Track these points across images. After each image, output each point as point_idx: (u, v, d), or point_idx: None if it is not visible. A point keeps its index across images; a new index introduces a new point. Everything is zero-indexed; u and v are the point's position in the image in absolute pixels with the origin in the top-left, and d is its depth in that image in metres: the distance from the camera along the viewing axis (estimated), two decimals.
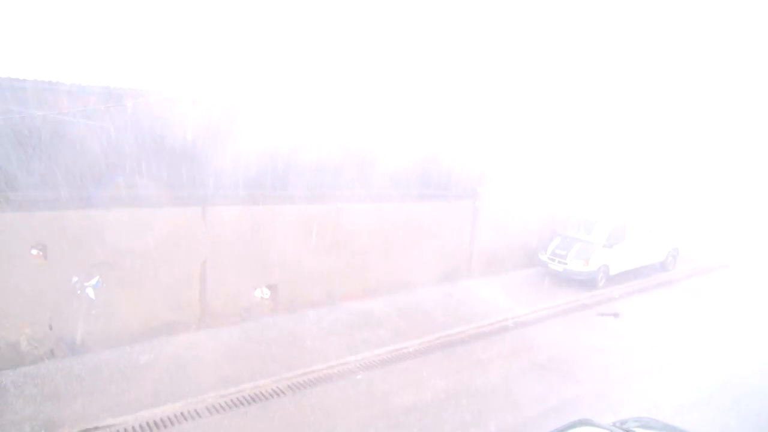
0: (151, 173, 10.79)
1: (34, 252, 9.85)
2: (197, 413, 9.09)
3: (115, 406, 8.97)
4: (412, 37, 16.00)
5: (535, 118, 18.14)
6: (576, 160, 19.53)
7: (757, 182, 26.54)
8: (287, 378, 10.33)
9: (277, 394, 9.89)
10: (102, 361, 10.26)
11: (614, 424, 7.84)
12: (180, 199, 11.27)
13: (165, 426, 8.72)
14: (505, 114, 17.40)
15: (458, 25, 17.05)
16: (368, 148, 13.77)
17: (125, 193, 10.62)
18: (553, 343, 12.80)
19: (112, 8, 12.39)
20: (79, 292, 10.35)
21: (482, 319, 13.74)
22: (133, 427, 8.61)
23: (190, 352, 10.94)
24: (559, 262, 16.65)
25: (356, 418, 9.29)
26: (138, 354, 10.68)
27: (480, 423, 9.30)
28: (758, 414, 10.08)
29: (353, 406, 9.64)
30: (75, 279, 10.26)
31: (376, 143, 13.90)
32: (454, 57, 16.79)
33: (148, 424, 8.73)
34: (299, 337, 12.05)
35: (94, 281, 10.42)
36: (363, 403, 9.79)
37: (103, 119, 10.08)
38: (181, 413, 9.05)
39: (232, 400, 9.54)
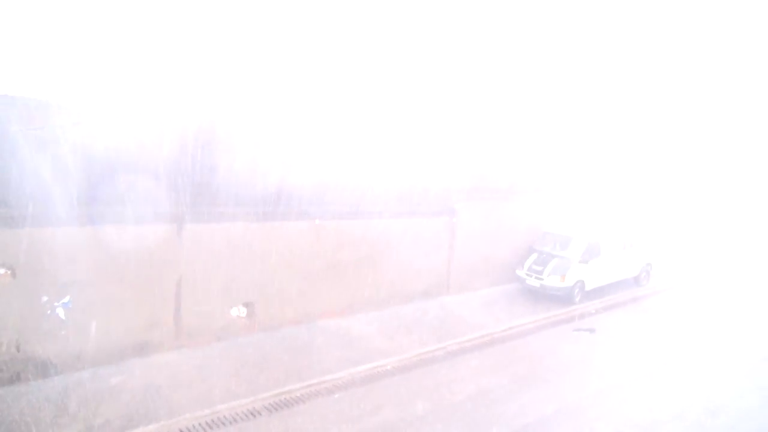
0: (125, 190, 10.62)
1: (2, 271, 9.57)
2: None
3: (85, 431, 8.70)
4: (387, 57, 16.18)
5: (512, 135, 18.45)
6: (552, 177, 19.86)
7: (728, 199, 27.31)
8: (264, 399, 10.16)
9: (254, 415, 9.71)
10: (72, 383, 9.96)
11: None
12: (155, 216, 11.10)
13: None
14: (482, 130, 17.65)
15: (434, 47, 17.31)
16: (347, 165, 13.79)
17: (98, 210, 10.43)
18: (532, 358, 12.85)
19: (95, 19, 12.26)
20: (48, 312, 10.07)
21: (461, 335, 13.75)
22: None
23: (164, 373, 10.69)
24: (536, 277, 16.79)
25: None
26: (110, 375, 10.40)
27: None
28: (733, 427, 10.23)
29: (332, 426, 9.51)
30: (45, 299, 9.98)
31: (354, 160, 13.94)
32: (430, 74, 17.00)
33: None
34: (276, 356, 11.89)
35: (64, 301, 10.16)
36: (341, 423, 9.66)
37: (75, 135, 9.92)
38: None
39: (207, 422, 9.33)
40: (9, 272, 9.61)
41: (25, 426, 8.64)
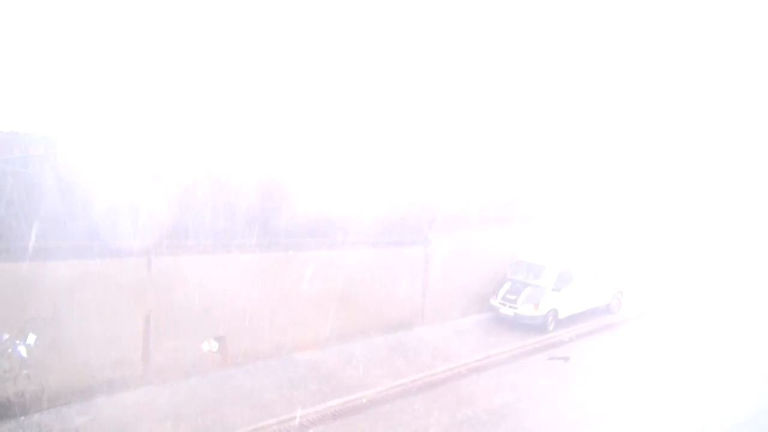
0: (92, 224, 10.45)
1: None
2: None
3: None
4: (360, 84, 16.43)
5: (486, 166, 18.77)
6: (525, 207, 20.18)
7: (698, 227, 28.00)
8: None
9: None
10: (33, 425, 9.58)
11: None
12: (124, 250, 10.91)
13: None
14: (455, 161, 17.93)
15: (408, 76, 17.65)
16: (320, 195, 13.82)
17: (64, 244, 10.21)
18: (506, 388, 12.83)
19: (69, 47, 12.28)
20: (9, 350, 9.73)
21: (435, 367, 13.67)
22: None
23: (131, 411, 10.37)
24: (510, 306, 16.88)
25: None
26: (74, 415, 10.04)
27: None
28: None
29: None
30: (5, 337, 9.66)
31: (328, 190, 13.98)
32: (405, 105, 17.29)
33: None
34: (248, 391, 11.64)
35: (28, 339, 9.83)
36: None
37: (41, 168, 9.77)
38: None
39: None
40: None
41: None
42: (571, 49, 22.53)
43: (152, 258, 11.28)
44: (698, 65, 27.37)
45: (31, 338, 9.88)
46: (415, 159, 16.93)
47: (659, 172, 27.65)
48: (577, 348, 16.09)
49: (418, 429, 10.66)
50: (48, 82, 12.51)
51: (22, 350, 9.78)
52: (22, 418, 9.71)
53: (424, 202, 16.59)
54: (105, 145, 10.38)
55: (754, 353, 16.12)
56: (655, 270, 25.61)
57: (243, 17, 15.25)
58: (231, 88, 14.70)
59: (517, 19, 20.25)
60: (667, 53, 26.09)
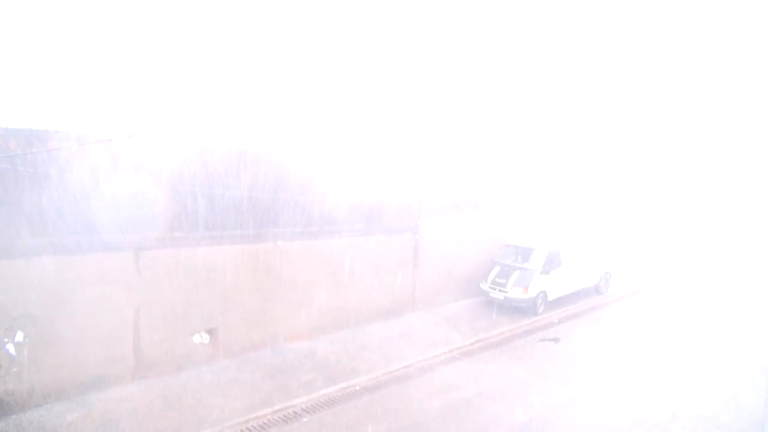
0: (78, 218, 10.31)
1: None
2: None
3: None
4: (347, 73, 16.31)
5: (473, 150, 18.77)
6: (512, 190, 20.25)
7: (685, 208, 28.32)
8: (229, 427, 9.92)
9: None
10: (25, 423, 9.51)
11: None
12: (110, 245, 10.79)
13: None
14: (443, 146, 17.91)
15: (394, 63, 17.55)
16: (307, 185, 13.75)
17: (49, 240, 10.07)
18: (498, 372, 12.95)
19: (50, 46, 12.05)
20: None
21: (428, 351, 13.76)
22: None
23: (123, 407, 10.32)
24: (500, 290, 17.00)
25: None
26: (66, 412, 9.97)
27: None
28: (693, 429, 10.52)
29: None
30: None
31: (314, 178, 13.91)
32: (391, 92, 17.20)
33: None
34: (240, 382, 11.63)
35: (16, 337, 9.72)
36: None
37: (23, 163, 9.59)
38: None
39: None
40: None
41: None
42: (564, 39, 22.54)
43: (140, 251, 11.18)
44: (676, 48, 27.52)
45: (20, 336, 9.77)
46: (403, 145, 16.89)
47: (648, 154, 27.86)
48: (566, 329, 16.28)
49: (412, 412, 10.74)
50: (28, 72, 12.28)
51: (11, 348, 9.68)
52: (14, 416, 9.63)
53: (413, 188, 16.58)
54: (88, 138, 10.19)
55: (741, 332, 16.41)
56: (642, 250, 25.92)
57: (240, 10, 15.09)
58: (223, 76, 14.54)
59: (503, 11, 20.20)
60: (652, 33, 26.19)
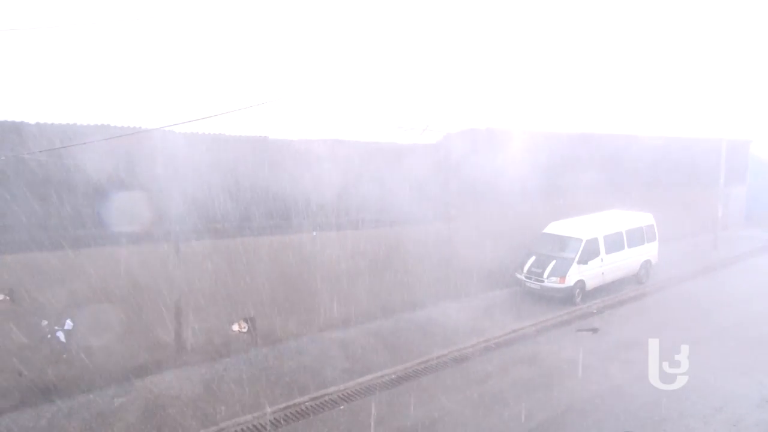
0: (121, 211, 10.64)
1: (0, 297, 9.56)
2: None
3: None
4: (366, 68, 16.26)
5: (505, 135, 18.46)
6: (549, 177, 19.88)
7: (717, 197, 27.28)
8: (270, 413, 10.14)
9: (259, 430, 9.69)
10: (75, 407, 9.93)
11: None
12: (152, 236, 11.12)
13: None
14: (474, 133, 17.71)
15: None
16: (342, 174, 13.83)
17: (95, 232, 10.44)
18: (536, 360, 12.85)
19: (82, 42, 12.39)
20: (49, 336, 10.06)
21: (463, 341, 13.71)
22: None
23: (167, 392, 10.66)
24: (536, 280, 16.79)
25: None
26: (113, 397, 10.37)
27: None
28: (739, 420, 10.22)
29: None
30: (44, 323, 9.97)
31: (351, 169, 13.98)
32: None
33: None
34: (279, 370, 11.86)
35: (66, 325, 10.14)
36: None
37: (67, 157, 9.93)
38: None
39: None
40: (8, 298, 9.60)
41: None
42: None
43: (180, 243, 11.48)
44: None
45: (69, 324, 10.18)
46: (436, 133, 16.78)
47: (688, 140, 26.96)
48: (605, 319, 15.98)
49: (444, 403, 10.76)
50: (68, 70, 12.66)
51: (61, 335, 10.10)
52: (65, 400, 10.05)
53: (447, 177, 16.48)
54: (128, 131, 10.47)
55: None
56: (682, 239, 25.17)
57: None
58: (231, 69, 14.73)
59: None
60: None
